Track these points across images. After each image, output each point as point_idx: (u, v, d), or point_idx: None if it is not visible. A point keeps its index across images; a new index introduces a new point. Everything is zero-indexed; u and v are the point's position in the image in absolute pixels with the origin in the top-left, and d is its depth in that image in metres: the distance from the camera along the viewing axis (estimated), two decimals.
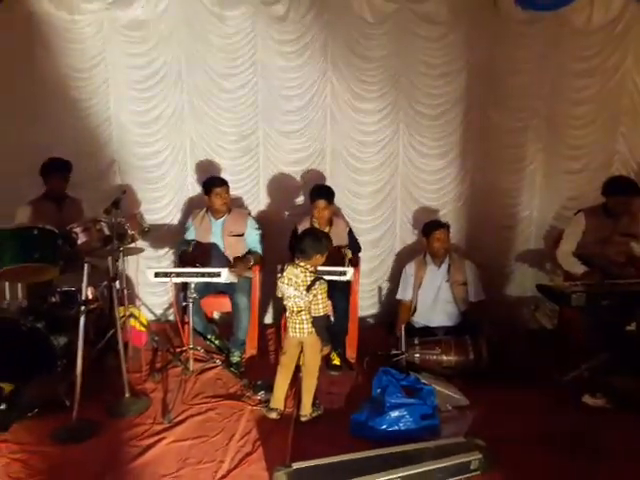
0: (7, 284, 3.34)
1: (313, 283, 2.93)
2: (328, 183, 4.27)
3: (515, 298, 4.50)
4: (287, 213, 4.42)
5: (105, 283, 3.49)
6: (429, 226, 3.87)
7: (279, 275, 3.05)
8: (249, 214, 4.07)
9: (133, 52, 4.11)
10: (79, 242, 3.10)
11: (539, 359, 3.69)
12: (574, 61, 4.17)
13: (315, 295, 2.93)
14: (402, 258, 4.42)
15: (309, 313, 2.98)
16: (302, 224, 3.91)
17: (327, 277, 3.11)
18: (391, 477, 2.45)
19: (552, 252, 3.94)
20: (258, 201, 4.43)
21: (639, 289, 3.29)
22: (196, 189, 4.37)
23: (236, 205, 4.18)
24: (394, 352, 3.57)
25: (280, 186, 4.40)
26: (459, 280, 3.82)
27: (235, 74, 4.17)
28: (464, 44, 4.13)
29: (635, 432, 2.93)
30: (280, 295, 3.08)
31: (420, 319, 3.90)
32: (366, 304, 4.56)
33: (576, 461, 2.69)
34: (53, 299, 3.44)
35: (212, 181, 3.86)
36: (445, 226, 3.85)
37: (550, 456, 2.74)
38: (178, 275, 3.30)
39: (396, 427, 2.92)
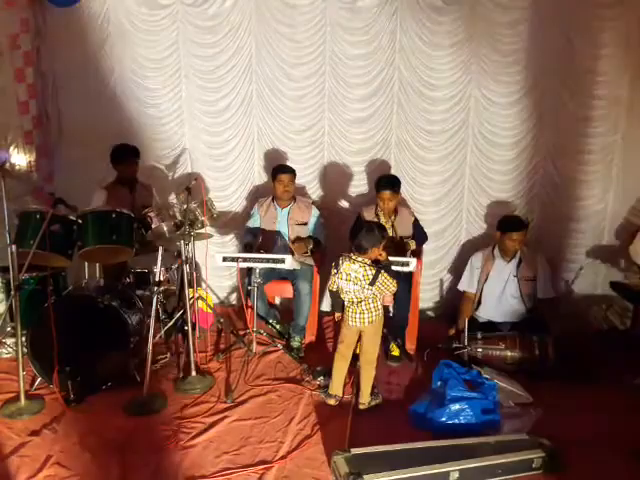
0: (86, 264, 3.55)
1: (376, 276, 2.91)
2: (393, 172, 4.24)
3: (585, 295, 4.29)
4: (350, 203, 4.43)
5: (176, 266, 3.64)
6: (508, 224, 3.69)
7: (334, 271, 3.04)
8: (313, 203, 4.12)
9: (204, 42, 4.21)
10: (153, 226, 3.26)
11: (609, 360, 3.52)
12: None
13: (382, 285, 2.93)
14: (467, 250, 4.32)
15: (370, 303, 2.99)
16: (367, 212, 3.91)
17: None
18: (449, 469, 2.44)
19: (626, 248, 3.73)
20: (321, 190, 4.46)
21: None
22: (262, 178, 4.46)
23: (300, 194, 4.23)
24: (456, 345, 3.52)
25: (344, 175, 4.41)
26: (529, 276, 3.70)
27: (304, 63, 4.20)
28: (539, 29, 3.95)
29: None
30: (335, 289, 3.09)
31: (484, 314, 3.82)
32: (427, 296, 4.52)
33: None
34: (127, 279, 3.64)
35: (280, 167, 3.95)
36: (525, 227, 3.67)
37: (618, 461, 2.64)
38: (245, 260, 3.41)
39: (456, 420, 2.90)
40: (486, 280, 3.78)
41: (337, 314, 3.23)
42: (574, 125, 4.09)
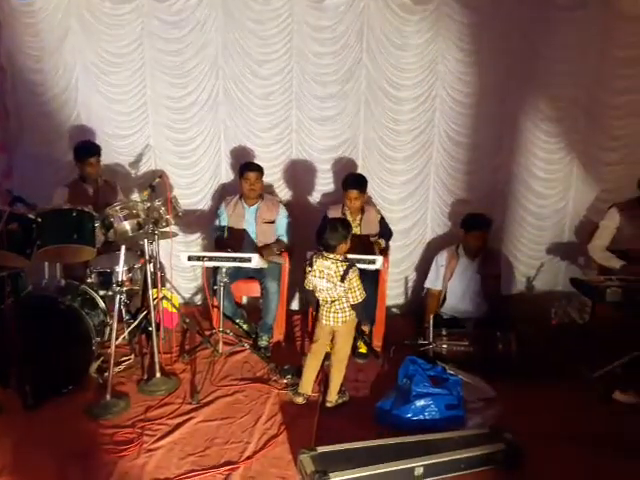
0: (46, 264, 3.46)
1: (347, 272, 2.94)
2: (360, 171, 4.26)
3: (546, 291, 4.41)
4: (317, 201, 4.43)
5: (139, 265, 3.57)
6: (471, 222, 3.75)
7: (308, 269, 3.05)
8: (280, 202, 4.10)
9: (170, 37, 4.13)
10: (115, 225, 3.18)
11: (569, 354, 3.62)
12: (619, 48, 3.97)
13: (350, 282, 2.95)
14: (432, 248, 4.38)
15: (344, 302, 3.00)
16: (333, 212, 3.91)
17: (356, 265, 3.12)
18: (413, 465, 2.47)
19: (586, 245, 3.84)
20: (289, 188, 4.44)
21: None
22: (229, 175, 4.42)
23: (268, 192, 4.21)
24: (421, 342, 3.56)
25: (311, 174, 4.40)
26: (491, 273, 3.78)
27: (271, 60, 4.17)
28: (504, 30, 4.01)
29: None
30: (310, 287, 3.10)
31: (449, 310, 3.88)
32: (393, 293, 4.55)
33: (604, 458, 2.66)
34: (89, 279, 3.55)
35: (247, 165, 3.92)
36: (488, 225, 3.73)
37: (577, 452, 2.71)
38: (210, 259, 3.37)
39: (421, 416, 2.94)
40: (451, 277, 3.84)
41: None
42: (536, 125, 4.18)
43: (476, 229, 3.70)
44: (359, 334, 3.64)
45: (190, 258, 3.37)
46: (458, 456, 2.57)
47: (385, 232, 4.01)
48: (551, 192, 4.30)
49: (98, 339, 3.32)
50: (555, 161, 4.25)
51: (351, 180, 3.89)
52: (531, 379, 3.32)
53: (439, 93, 4.18)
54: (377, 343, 3.82)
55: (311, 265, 3.03)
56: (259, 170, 3.90)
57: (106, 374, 3.12)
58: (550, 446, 2.75)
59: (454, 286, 3.84)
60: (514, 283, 3.82)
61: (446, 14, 4.02)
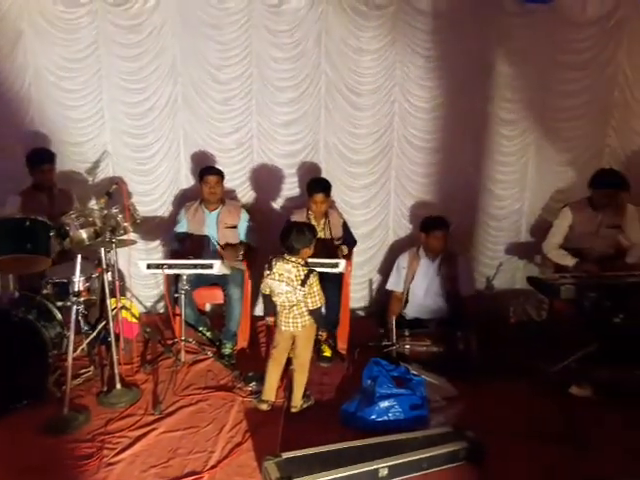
0: None
1: (307, 276, 2.94)
2: (322, 175, 4.28)
3: (505, 290, 4.52)
4: (280, 206, 4.42)
5: (97, 275, 3.49)
6: (430, 224, 3.80)
7: (267, 272, 3.04)
8: (242, 206, 4.08)
9: (126, 42, 4.07)
10: (71, 234, 3.10)
11: (528, 351, 3.71)
12: (566, 53, 4.15)
13: (311, 287, 2.95)
14: (394, 251, 4.43)
15: (302, 307, 3.00)
16: (297, 216, 3.92)
17: (319, 269, 3.14)
18: (378, 466, 2.49)
19: (542, 244, 3.97)
20: (251, 193, 4.43)
21: (627, 281, 3.32)
22: (189, 181, 4.37)
23: (230, 197, 4.18)
24: (385, 343, 3.59)
25: (274, 179, 4.39)
26: (451, 274, 3.84)
27: (229, 65, 4.15)
28: (459, 36, 4.11)
29: (620, 421, 2.97)
30: (267, 292, 3.08)
31: (411, 311, 3.93)
32: (357, 296, 4.58)
33: (562, 451, 2.73)
34: (45, 290, 3.44)
35: (206, 169, 3.89)
36: (446, 226, 3.80)
37: (537, 446, 2.78)
38: (170, 267, 3.32)
39: (385, 417, 2.96)
40: (412, 279, 3.89)
41: (269, 319, 3.21)
42: (492, 128, 4.29)
43: (436, 229, 3.76)
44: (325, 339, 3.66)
45: (149, 266, 3.31)
46: (422, 455, 2.60)
47: (348, 238, 4.03)
48: (507, 193, 4.42)
49: (55, 352, 3.23)
50: (510, 163, 4.38)
51: (316, 184, 3.91)
52: (492, 376, 3.39)
53: (397, 98, 4.25)
54: (342, 346, 3.83)
55: (270, 268, 3.02)
56: (219, 174, 3.87)
57: (64, 387, 3.02)
58: (510, 442, 2.80)
59: (416, 287, 3.89)
60: (474, 283, 3.89)
61: (403, 20, 4.09)
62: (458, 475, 2.62)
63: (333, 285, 3.63)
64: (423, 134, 4.31)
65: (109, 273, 3.26)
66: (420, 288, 3.88)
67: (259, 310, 4.43)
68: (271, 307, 3.14)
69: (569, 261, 3.69)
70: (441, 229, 3.76)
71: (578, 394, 3.23)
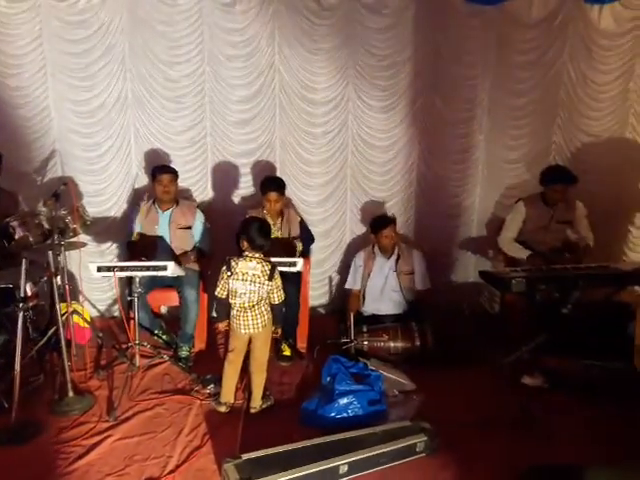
0: None
1: (273, 270, 2.94)
2: (278, 174, 4.26)
3: (460, 284, 4.64)
4: (236, 205, 4.38)
5: (45, 279, 3.36)
6: (376, 224, 3.90)
7: (227, 273, 2.98)
8: (197, 206, 4.01)
9: (73, 38, 3.94)
10: (16, 237, 2.98)
11: (482, 343, 3.82)
12: (515, 53, 4.27)
13: (277, 281, 2.96)
14: (352, 249, 4.47)
15: (262, 306, 2.98)
16: (253, 214, 3.87)
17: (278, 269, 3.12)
18: (338, 463, 2.50)
19: (494, 239, 4.08)
20: (206, 193, 4.37)
21: (575, 274, 3.45)
22: (142, 181, 4.27)
23: (184, 197, 4.11)
24: (343, 340, 3.62)
25: (229, 177, 4.35)
26: (406, 270, 3.90)
27: (181, 62, 4.08)
28: (411, 35, 4.18)
29: (569, 409, 3.08)
30: (224, 295, 3.02)
31: (369, 308, 3.97)
32: (317, 294, 4.61)
33: (516, 439, 2.81)
34: None
35: (159, 168, 3.81)
36: (392, 222, 3.88)
37: (491, 435, 2.85)
38: (122, 269, 3.22)
39: (345, 414, 2.97)
40: (369, 277, 3.94)
41: (221, 324, 3.14)
42: (445, 127, 4.38)
43: (382, 228, 3.84)
44: (284, 338, 3.65)
45: (100, 269, 3.20)
46: (381, 450, 2.62)
47: (307, 238, 4.02)
48: (460, 190, 4.52)
49: (2, 360, 3.08)
50: (462, 161, 4.47)
51: (270, 182, 3.89)
52: (448, 369, 3.46)
53: (351, 97, 4.28)
54: (301, 344, 3.83)
55: (230, 269, 2.97)
56: (172, 172, 3.79)
57: (13, 396, 2.89)
58: (466, 432, 2.87)
59: (372, 285, 3.94)
60: (429, 278, 3.97)
61: (355, 19, 4.12)
62: (417, 467, 2.66)
63: (292, 284, 3.62)
64: (377, 133, 4.36)
65: (58, 277, 3.15)
66: (377, 285, 3.93)
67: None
68: (224, 312, 3.08)
69: (522, 254, 3.81)
70: (387, 227, 3.83)
71: (530, 383, 3.34)
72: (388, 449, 2.64)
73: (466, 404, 3.14)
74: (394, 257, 3.92)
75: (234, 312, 3.02)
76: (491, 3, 4.13)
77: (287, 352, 3.71)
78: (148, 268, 3.23)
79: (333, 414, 2.96)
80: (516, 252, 3.86)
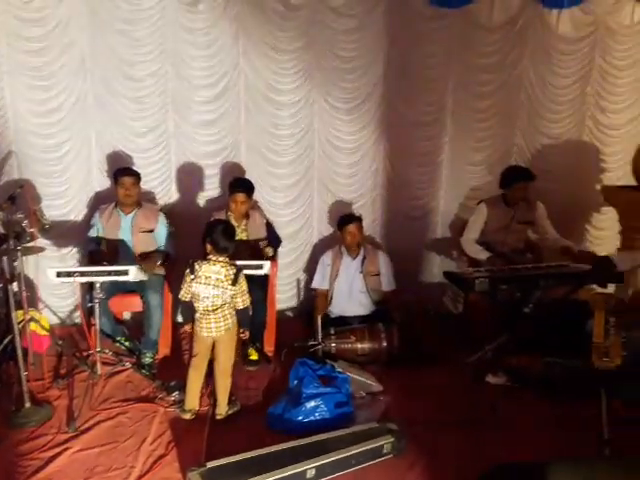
0: None
1: (237, 275, 2.90)
2: (245, 176, 4.20)
3: (425, 285, 4.68)
4: (202, 207, 4.31)
5: (0, 285, 3.24)
6: (342, 220, 3.96)
7: (190, 277, 2.93)
8: (160, 209, 3.93)
9: (29, 36, 3.80)
10: None
11: (447, 343, 3.87)
12: (478, 56, 4.34)
13: (241, 285, 2.92)
14: (319, 250, 4.43)
15: (226, 310, 2.94)
16: (218, 217, 3.82)
17: (244, 272, 3.08)
18: (305, 468, 2.48)
19: (458, 240, 4.14)
20: (170, 195, 4.29)
21: (535, 273, 3.53)
22: (103, 183, 4.16)
23: (147, 199, 4.03)
24: (311, 343, 3.61)
25: (194, 179, 4.28)
26: (372, 271, 3.93)
27: (143, 62, 3.99)
28: (375, 38, 4.20)
29: (532, 406, 3.15)
30: (188, 298, 2.97)
31: (336, 309, 3.98)
32: (285, 297, 4.58)
33: (481, 438, 2.85)
34: None
35: (121, 170, 3.72)
36: (357, 219, 3.93)
37: (457, 434, 2.89)
38: (82, 274, 3.14)
39: (312, 417, 2.96)
40: (336, 277, 3.95)
41: (187, 326, 3.11)
42: (409, 129, 4.42)
43: (348, 223, 3.88)
44: (251, 342, 3.62)
45: (59, 274, 3.10)
46: (348, 453, 2.62)
47: (274, 239, 4.00)
48: (424, 192, 4.56)
49: None
50: (427, 163, 4.52)
51: (237, 183, 3.85)
52: (414, 369, 3.51)
53: (317, 99, 4.27)
54: (269, 348, 3.80)
55: (193, 272, 2.92)
56: (135, 175, 3.71)
57: None
58: (433, 431, 2.90)
59: (340, 285, 3.95)
60: (395, 279, 4.00)
61: (319, 21, 4.12)
62: (384, 469, 2.67)
63: (258, 287, 3.59)
64: (343, 135, 4.37)
65: (14, 283, 3.04)
66: (344, 285, 3.94)
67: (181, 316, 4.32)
68: (189, 314, 3.05)
69: (483, 255, 3.87)
70: (352, 223, 3.88)
71: (494, 382, 3.40)
72: (355, 451, 2.64)
73: (432, 404, 3.18)
74: (360, 258, 3.94)
75: (197, 315, 2.97)
76: (454, 6, 4.18)
77: (254, 356, 3.67)
78: (109, 273, 3.16)
79: (300, 418, 2.94)
80: (476, 253, 3.92)
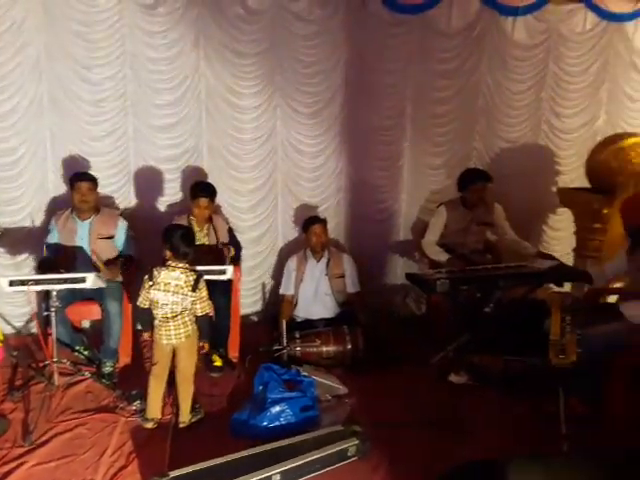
0: None
1: (197, 281, 2.86)
2: (208, 180, 4.16)
3: (389, 287, 4.72)
4: (163, 212, 4.25)
5: None
6: (307, 221, 3.99)
7: (149, 283, 2.87)
8: (120, 214, 3.85)
9: None
10: None
11: (411, 344, 3.92)
12: (437, 62, 4.42)
13: (201, 292, 2.87)
14: (285, 254, 4.44)
15: (186, 316, 2.89)
16: (180, 221, 3.76)
17: (206, 277, 3.04)
18: (270, 473, 2.46)
19: (419, 243, 4.20)
20: (130, 200, 4.21)
21: (495, 274, 3.61)
22: (59, 189, 4.05)
23: (106, 204, 3.93)
24: (276, 347, 3.59)
25: (154, 184, 4.21)
26: (337, 273, 3.95)
27: (101, 65, 3.92)
28: (336, 43, 4.23)
29: (494, 404, 3.21)
30: (147, 305, 2.92)
31: (301, 313, 3.98)
32: (249, 301, 4.55)
33: (444, 437, 2.88)
34: None
35: (76, 175, 3.62)
36: (322, 221, 3.98)
37: (421, 434, 2.91)
38: (37, 283, 3.02)
39: (277, 422, 2.93)
40: (301, 281, 3.96)
41: (146, 334, 3.04)
42: (371, 134, 4.46)
43: (313, 225, 3.91)
44: (214, 348, 3.58)
45: (12, 283, 2.98)
46: (313, 457, 2.60)
47: (234, 245, 3.94)
48: (386, 196, 4.61)
49: None
50: (388, 167, 4.56)
51: (200, 187, 3.81)
52: (379, 371, 3.53)
53: (279, 103, 4.27)
54: (233, 354, 3.75)
55: (152, 279, 2.87)
56: (91, 180, 3.61)
57: None
58: (397, 432, 2.91)
59: (305, 289, 3.96)
60: (360, 281, 4.03)
61: (281, 25, 4.12)
62: (349, 472, 2.66)
63: (222, 292, 3.56)
64: (306, 139, 4.38)
65: None
66: (309, 289, 3.95)
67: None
68: (148, 322, 2.99)
69: (443, 257, 3.94)
70: (317, 223, 3.92)
71: (456, 381, 3.45)
72: (320, 455, 2.63)
73: (397, 405, 3.20)
74: (324, 260, 3.96)
75: (156, 323, 2.92)
76: (412, 12, 4.25)
77: (218, 362, 3.63)
78: (65, 281, 3.06)
79: (265, 423, 2.92)
80: (437, 255, 3.99)
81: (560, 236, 4.83)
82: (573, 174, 4.74)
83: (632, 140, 4.09)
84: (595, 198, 4.11)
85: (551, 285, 3.71)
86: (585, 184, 4.38)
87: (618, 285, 3.37)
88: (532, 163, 4.71)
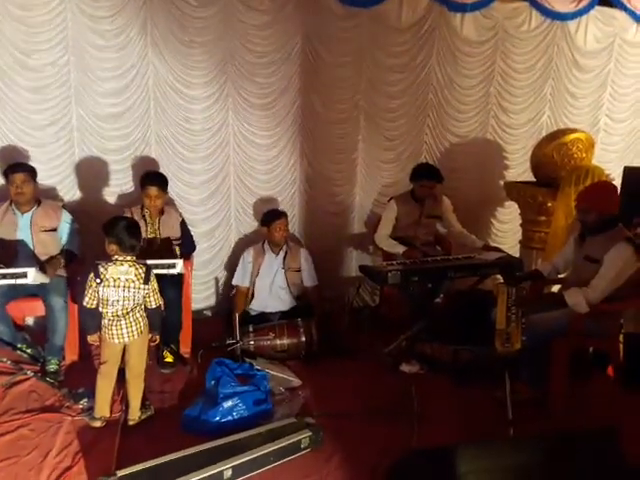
0: None
1: (148, 272, 2.79)
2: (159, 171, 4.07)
3: (344, 279, 4.76)
4: (112, 204, 4.12)
5: None
6: (269, 216, 3.91)
7: (97, 281, 2.75)
8: (63, 206, 3.69)
9: None
10: None
11: (364, 335, 3.96)
12: (388, 57, 4.45)
13: (153, 284, 2.81)
14: (239, 248, 4.40)
15: (137, 313, 2.82)
16: (130, 214, 3.66)
17: (156, 271, 2.96)
18: (221, 469, 2.44)
19: (372, 236, 4.24)
20: (74, 192, 4.05)
21: (445, 265, 3.69)
22: None
23: (48, 196, 3.77)
24: (229, 342, 3.55)
25: (100, 175, 4.07)
26: (294, 267, 3.95)
27: (41, 50, 3.75)
28: (289, 34, 4.19)
29: (445, 392, 3.30)
30: (94, 305, 2.81)
31: (257, 306, 3.96)
32: (202, 296, 4.48)
33: (397, 426, 2.93)
34: None
35: (11, 166, 3.45)
36: (284, 215, 3.94)
37: (374, 424, 2.95)
38: None
39: (230, 417, 2.91)
40: (258, 274, 3.92)
41: (92, 337, 2.92)
42: (324, 127, 4.45)
43: (275, 220, 3.87)
44: (165, 344, 3.50)
45: None
46: (265, 451, 2.59)
47: (188, 244, 3.87)
48: (340, 189, 4.63)
49: None
50: (342, 160, 4.58)
51: (150, 177, 3.71)
52: (333, 362, 3.55)
53: (231, 93, 4.20)
54: (185, 349, 3.69)
55: (98, 276, 2.76)
56: (27, 170, 3.42)
57: None
58: (350, 423, 2.94)
59: (261, 282, 3.93)
60: (315, 274, 4.03)
61: (232, 14, 4.05)
62: (302, 464, 2.67)
63: (172, 286, 3.48)
64: (259, 130, 4.33)
65: None
66: (265, 282, 3.93)
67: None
68: (94, 324, 2.87)
69: (399, 249, 3.99)
70: (281, 218, 3.88)
71: (407, 371, 3.52)
72: (273, 448, 2.62)
73: (350, 396, 3.23)
74: (282, 253, 3.94)
75: (105, 322, 2.82)
76: (363, 6, 4.26)
77: (169, 358, 3.55)
78: (5, 276, 2.92)
79: (217, 418, 2.88)
80: (392, 248, 4.04)
81: (507, 228, 5.00)
82: (520, 168, 4.90)
83: (573, 136, 4.26)
84: (540, 191, 4.26)
85: (497, 276, 3.83)
86: (531, 178, 4.54)
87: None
88: (481, 157, 4.84)
